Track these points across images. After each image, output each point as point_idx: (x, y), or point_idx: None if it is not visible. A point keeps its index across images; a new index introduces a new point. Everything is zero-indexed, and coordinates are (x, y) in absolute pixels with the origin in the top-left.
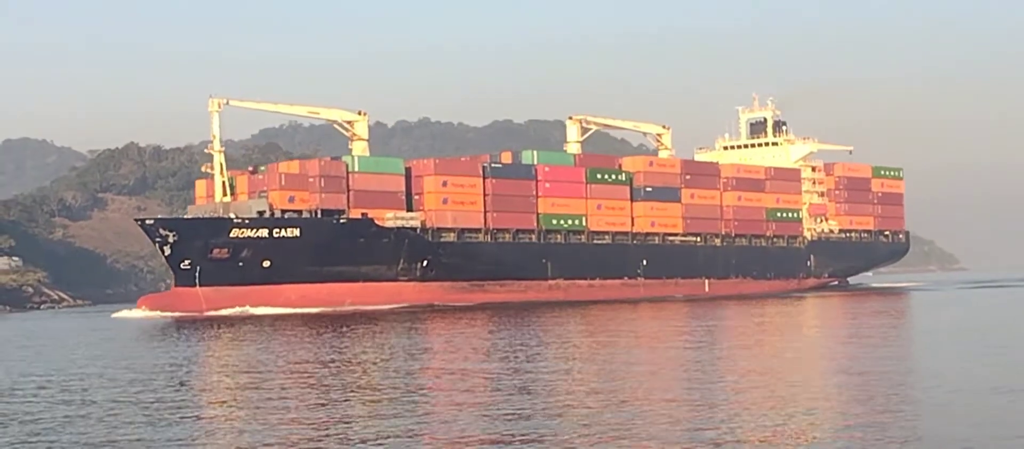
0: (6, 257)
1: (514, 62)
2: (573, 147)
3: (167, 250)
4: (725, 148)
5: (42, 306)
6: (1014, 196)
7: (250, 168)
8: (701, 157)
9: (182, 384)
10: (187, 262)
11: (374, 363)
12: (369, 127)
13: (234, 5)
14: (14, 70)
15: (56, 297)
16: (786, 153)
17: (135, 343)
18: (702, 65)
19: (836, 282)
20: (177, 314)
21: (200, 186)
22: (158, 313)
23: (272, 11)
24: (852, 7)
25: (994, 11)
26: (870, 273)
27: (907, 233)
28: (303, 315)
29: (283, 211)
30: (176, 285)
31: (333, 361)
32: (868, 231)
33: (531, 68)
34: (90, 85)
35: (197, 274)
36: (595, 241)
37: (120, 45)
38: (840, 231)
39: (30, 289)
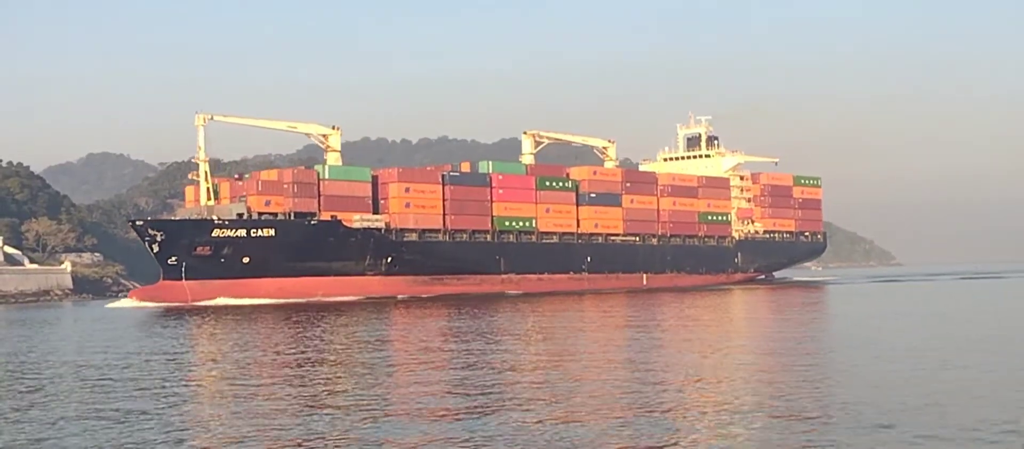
0: (89, 253)
1: (519, 86)
2: (527, 158)
3: (156, 248)
4: (665, 160)
5: (119, 295)
6: (944, 202)
7: (235, 175)
8: (645, 167)
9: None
10: (173, 258)
11: (341, 345)
12: (396, 143)
13: (297, 38)
14: (96, 93)
15: (131, 287)
16: (718, 164)
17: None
18: (652, 87)
19: (762, 276)
20: (164, 305)
21: (189, 192)
22: (147, 304)
23: (320, 41)
24: (784, 34)
25: (917, 39)
26: (814, 267)
27: (825, 233)
28: (279, 305)
29: (260, 213)
30: (164, 279)
31: (307, 343)
32: (790, 232)
33: (531, 92)
34: (159, 107)
35: (183, 269)
36: (544, 240)
37: (185, 75)
38: (765, 232)
39: (109, 280)
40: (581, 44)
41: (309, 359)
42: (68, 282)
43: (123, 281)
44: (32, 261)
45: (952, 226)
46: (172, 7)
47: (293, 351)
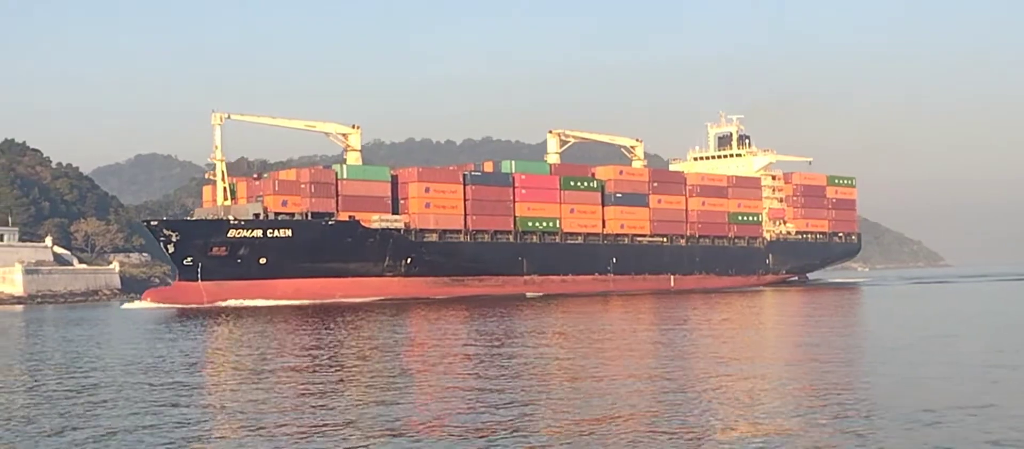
0: (137, 253)
1: (565, 87)
2: (552, 157)
3: (171, 249)
4: (695, 159)
5: None
6: (995, 203)
7: (254, 175)
8: (674, 167)
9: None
10: (189, 259)
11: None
12: (440, 144)
13: (343, 41)
14: (146, 95)
15: None
16: (749, 164)
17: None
18: (686, 88)
19: (795, 278)
20: (180, 306)
21: (206, 191)
22: (162, 305)
23: (365, 43)
24: (829, 30)
25: (953, 41)
26: (859, 268)
27: (859, 234)
28: (297, 307)
29: (276, 214)
30: (180, 280)
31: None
32: (823, 233)
33: (576, 93)
34: (206, 111)
35: (198, 270)
36: (568, 241)
37: (231, 78)
38: (797, 233)
39: (157, 280)
40: (614, 44)
41: (338, 365)
42: (116, 282)
43: (170, 281)
44: (81, 261)
45: (1003, 228)
46: (222, 11)
47: (318, 356)
